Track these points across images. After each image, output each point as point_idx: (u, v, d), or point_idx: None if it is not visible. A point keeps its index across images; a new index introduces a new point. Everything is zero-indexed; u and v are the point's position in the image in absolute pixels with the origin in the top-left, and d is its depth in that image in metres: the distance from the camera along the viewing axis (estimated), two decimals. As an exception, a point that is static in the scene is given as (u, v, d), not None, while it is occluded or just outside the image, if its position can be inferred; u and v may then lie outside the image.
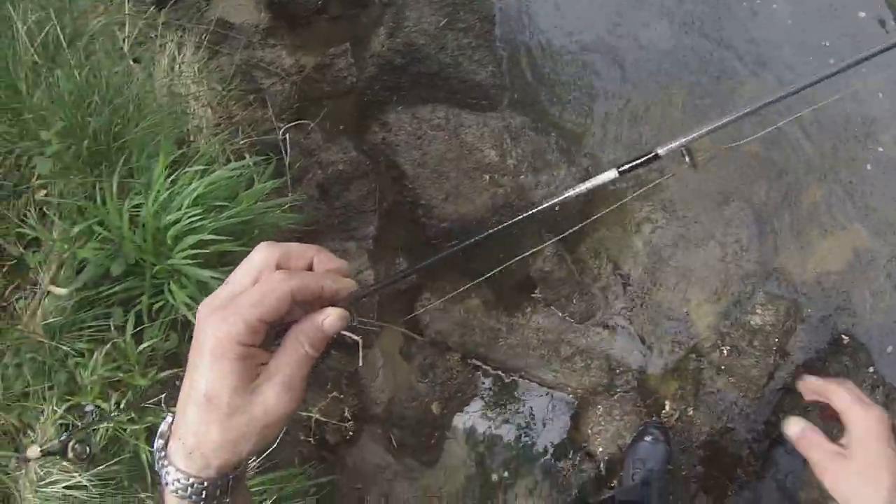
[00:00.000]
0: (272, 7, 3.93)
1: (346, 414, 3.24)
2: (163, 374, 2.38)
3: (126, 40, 2.90)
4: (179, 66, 3.02)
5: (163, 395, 2.34)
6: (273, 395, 0.83)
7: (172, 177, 2.40)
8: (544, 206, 0.97)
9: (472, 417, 3.51)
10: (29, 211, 2.49)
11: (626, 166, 1.03)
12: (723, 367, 3.54)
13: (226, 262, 2.41)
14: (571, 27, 4.18)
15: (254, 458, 2.47)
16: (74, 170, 2.46)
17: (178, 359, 2.47)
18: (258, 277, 0.85)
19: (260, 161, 2.80)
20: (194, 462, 0.83)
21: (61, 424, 2.29)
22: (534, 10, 4.21)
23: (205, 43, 3.25)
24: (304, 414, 3.01)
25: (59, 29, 2.58)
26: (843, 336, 3.69)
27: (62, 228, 2.42)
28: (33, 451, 2.06)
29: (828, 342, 3.68)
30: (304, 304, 0.86)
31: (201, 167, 2.48)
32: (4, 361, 2.36)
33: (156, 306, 2.38)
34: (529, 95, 4.03)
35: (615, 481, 3.43)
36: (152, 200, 2.30)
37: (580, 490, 3.42)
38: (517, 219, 1.00)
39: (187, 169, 2.43)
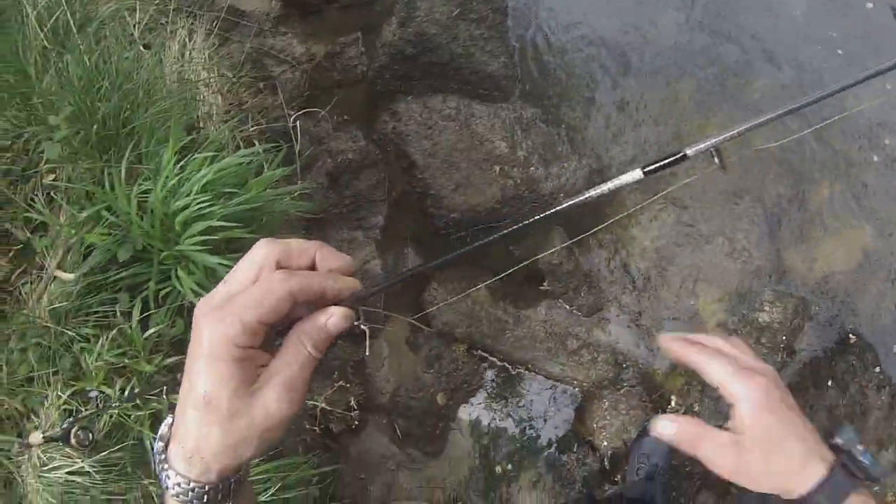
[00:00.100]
0: (283, -6, 3.92)
1: (352, 403, 3.23)
2: (169, 361, 2.37)
3: (136, 26, 2.89)
4: (190, 53, 3.01)
5: (166, 383, 2.34)
6: (274, 398, 0.80)
7: (181, 163, 2.39)
8: (565, 205, 0.93)
9: (477, 409, 3.50)
10: (36, 195, 2.49)
11: (652, 167, 0.97)
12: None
13: (234, 249, 2.40)
14: (583, 20, 4.15)
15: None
16: (83, 155, 2.45)
17: (183, 345, 2.47)
18: (258, 276, 0.82)
19: (270, 148, 2.79)
20: (194, 466, 0.80)
21: (65, 410, 2.28)
22: (546, 2, 4.19)
23: (215, 30, 3.23)
24: (310, 403, 3.01)
25: (68, 14, 2.57)
26: (851, 335, 3.68)
27: (70, 213, 2.41)
28: (35, 437, 2.06)
29: (835, 341, 3.68)
30: (307, 303, 0.84)
31: (211, 153, 2.46)
32: (9, 346, 2.36)
33: (162, 292, 2.38)
34: (541, 87, 4.01)
35: (619, 476, 3.42)
36: (161, 186, 2.29)
37: (584, 484, 3.42)
38: (535, 218, 0.97)
39: (196, 155, 2.42)
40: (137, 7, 2.93)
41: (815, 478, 0.96)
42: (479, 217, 3.67)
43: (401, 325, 3.51)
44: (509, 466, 3.44)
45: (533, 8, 4.16)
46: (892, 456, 3.55)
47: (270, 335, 0.83)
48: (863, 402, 3.59)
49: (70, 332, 2.33)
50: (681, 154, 0.95)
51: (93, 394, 2.26)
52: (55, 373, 2.33)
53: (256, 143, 2.84)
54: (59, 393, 2.28)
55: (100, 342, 2.30)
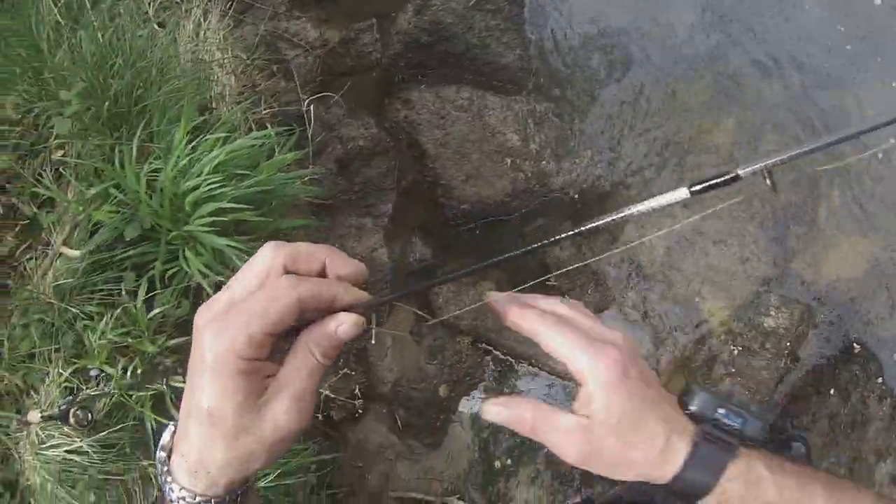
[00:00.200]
0: (299, -22, 3.89)
1: (357, 391, 3.22)
2: (172, 342, 2.36)
3: (151, 4, 2.88)
4: (204, 33, 2.99)
5: (168, 367, 2.33)
6: (283, 411, 0.76)
7: (193, 143, 2.37)
8: (604, 220, 0.87)
9: (478, 402, 3.49)
10: (44, 171, 2.47)
11: (700, 186, 0.89)
12: (733, 368, 3.51)
13: (242, 231, 2.39)
14: (600, 15, 4.13)
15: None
16: (93, 131, 2.44)
17: (188, 327, 2.45)
18: (263, 281, 0.77)
19: (282, 132, 2.77)
20: (199, 480, 0.77)
21: (66, 387, 2.27)
22: (564, -4, 4.17)
23: (230, 11, 3.21)
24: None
25: (83, -12, 2.56)
26: (855, 344, 3.66)
27: (78, 190, 2.40)
28: (34, 416, 2.05)
29: (839, 349, 3.66)
30: (316, 310, 0.79)
31: (223, 135, 2.44)
32: (12, 321, 2.35)
33: (169, 273, 2.36)
34: (555, 81, 3.99)
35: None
36: (172, 165, 2.28)
37: (581, 482, 3.41)
38: (570, 233, 0.91)
39: (208, 136, 2.40)
40: (152, -15, 2.91)
41: (678, 458, 0.86)
42: (489, 209, 3.65)
43: (405, 315, 3.50)
44: (508, 461, 3.43)
45: (550, 1, 4.13)
46: (892, 468, 3.53)
47: (277, 345, 0.78)
48: (864, 412, 3.57)
49: (74, 310, 2.32)
50: (732, 175, 0.86)
51: (93, 372, 2.26)
52: (57, 350, 2.32)
53: (268, 125, 2.83)
54: (61, 370, 2.27)
55: (104, 320, 2.29)
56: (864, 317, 3.70)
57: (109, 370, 2.25)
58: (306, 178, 2.76)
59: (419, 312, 3.47)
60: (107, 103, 2.41)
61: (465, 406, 3.48)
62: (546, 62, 4.02)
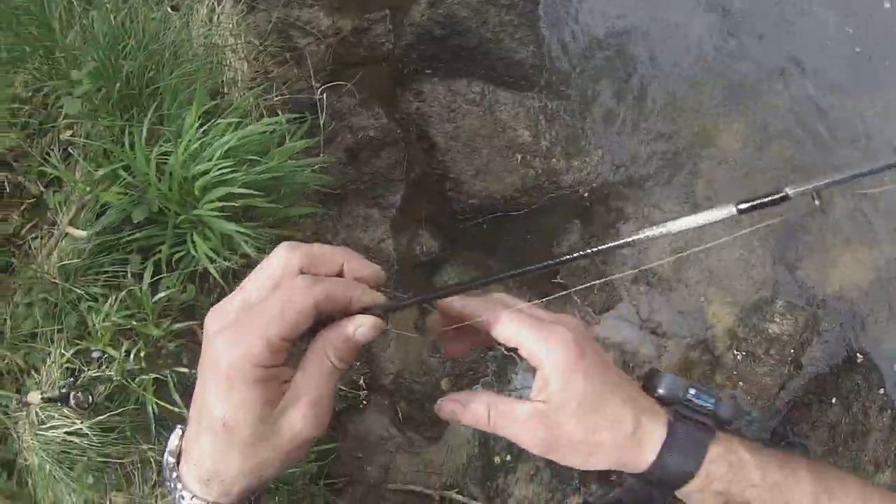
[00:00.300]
0: (312, -34, 3.87)
1: (361, 382, 3.21)
2: (177, 326, 2.35)
3: (165, -14, 2.87)
4: (218, 17, 2.98)
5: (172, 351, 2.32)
6: (300, 419, 0.73)
7: (204, 127, 2.35)
8: (641, 236, 0.83)
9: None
10: (52, 150, 2.46)
11: (747, 205, 0.84)
12: (735, 373, 3.50)
13: (251, 217, 2.37)
14: (615, 15, 4.11)
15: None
16: (103, 112, 2.43)
17: (193, 311, 2.45)
18: (277, 283, 0.73)
19: (293, 119, 2.76)
20: (212, 489, 0.74)
21: (67, 368, 2.26)
22: (579, -7, 4.15)
23: (244, -3, 3.21)
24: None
25: (97, -31, 2.55)
26: (858, 354, 3.64)
27: (86, 170, 2.39)
28: (34, 397, 2.04)
29: (842, 358, 3.64)
30: (330, 314, 0.76)
31: (235, 119, 2.43)
32: (15, 300, 2.34)
33: (176, 256, 2.36)
34: (567, 79, 3.97)
35: (615, 474, 3.39)
36: (182, 149, 2.26)
37: (580, 481, 3.39)
38: (600, 247, 0.85)
39: (220, 120, 2.39)
40: (166, -33, 2.90)
41: (654, 440, 0.82)
42: (497, 204, 3.64)
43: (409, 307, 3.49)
44: (508, 457, 3.41)
45: (566, -1, 4.13)
46: (890, 478, 3.52)
47: (293, 350, 0.75)
48: (864, 422, 3.56)
49: (78, 290, 2.31)
50: (782, 194, 0.83)
51: (95, 354, 2.25)
52: (60, 330, 2.31)
53: (279, 112, 2.82)
54: (63, 351, 2.27)
55: (108, 302, 2.28)
56: (868, 327, 3.68)
57: (112, 352, 2.24)
58: (316, 167, 2.75)
59: (397, 293, 3.45)
60: (118, 84, 2.40)
61: (466, 401, 3.47)
62: (559, 60, 4.00)
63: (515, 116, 3.66)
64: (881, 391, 3.58)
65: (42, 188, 2.46)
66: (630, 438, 0.82)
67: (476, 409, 0.84)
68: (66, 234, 2.39)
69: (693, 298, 3.64)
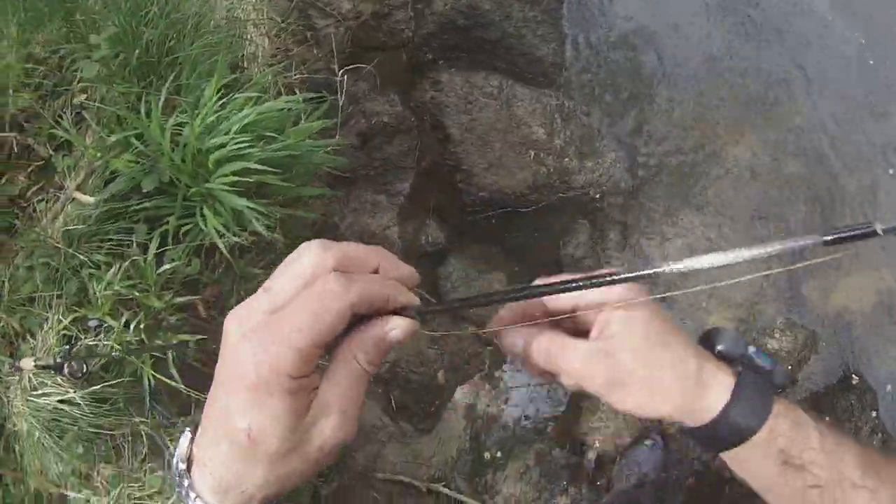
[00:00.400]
0: (335, -53, 3.84)
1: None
2: (179, 300, 2.32)
3: (190, -44, 2.84)
4: (241, -10, 2.96)
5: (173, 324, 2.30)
6: (329, 428, 0.69)
7: (223, 100, 2.33)
8: (722, 258, 0.79)
9: (475, 392, 3.46)
10: (65, 113, 2.43)
11: (834, 236, 0.80)
12: (732, 386, 3.49)
13: (263, 195, 2.35)
14: (638, 18, 4.10)
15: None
16: (119, 78, 2.40)
17: (196, 286, 2.42)
18: (308, 283, 0.67)
19: (310, 98, 2.73)
20: (231, 500, 0.69)
21: (64, 335, 2.24)
22: (604, -6, 4.14)
23: (267, -28, 3.18)
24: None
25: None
26: (854, 375, 3.64)
27: (98, 135, 2.36)
28: (27, 363, 2.02)
29: (838, 378, 3.65)
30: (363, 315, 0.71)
31: (254, 94, 2.40)
32: (16, 262, 2.32)
33: (183, 229, 2.33)
34: (586, 79, 3.97)
35: (603, 478, 3.39)
36: (199, 121, 2.24)
37: (569, 482, 3.39)
38: (647, 272, 0.82)
39: (238, 94, 2.36)
40: (192, -65, 2.87)
41: (720, 387, 0.80)
42: (507, 199, 3.64)
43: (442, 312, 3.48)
44: (498, 454, 3.41)
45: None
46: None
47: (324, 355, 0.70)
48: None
49: (81, 257, 2.28)
50: (871, 230, 0.79)
51: (92, 323, 2.22)
52: (59, 296, 2.28)
53: (297, 91, 2.79)
54: (60, 317, 2.24)
55: (111, 271, 2.25)
56: (867, 349, 3.68)
57: (111, 322, 2.21)
58: (330, 148, 2.73)
59: (426, 296, 3.43)
60: (137, 51, 2.37)
61: (461, 394, 3.46)
62: (579, 59, 4.00)
63: (532, 113, 3.65)
64: (874, 413, 3.58)
65: (51, 151, 2.42)
66: (694, 380, 0.80)
67: (539, 345, 0.84)
68: (73, 199, 2.36)
69: (695, 307, 3.63)
